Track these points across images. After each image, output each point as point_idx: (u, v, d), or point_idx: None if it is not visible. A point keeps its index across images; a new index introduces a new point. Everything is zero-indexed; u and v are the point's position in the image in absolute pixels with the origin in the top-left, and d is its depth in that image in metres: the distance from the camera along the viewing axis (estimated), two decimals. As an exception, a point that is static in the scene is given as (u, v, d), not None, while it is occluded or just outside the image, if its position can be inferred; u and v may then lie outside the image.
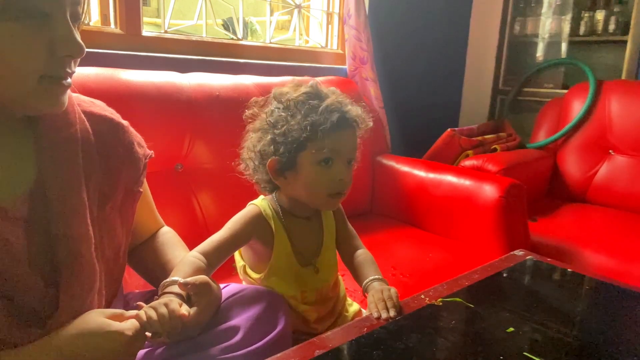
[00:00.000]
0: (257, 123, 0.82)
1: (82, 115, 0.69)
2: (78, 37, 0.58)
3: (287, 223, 0.83)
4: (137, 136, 0.78)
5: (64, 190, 0.63)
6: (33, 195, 0.62)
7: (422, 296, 0.78)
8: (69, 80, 0.60)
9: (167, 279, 0.70)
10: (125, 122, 0.76)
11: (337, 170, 0.78)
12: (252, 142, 0.82)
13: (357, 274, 0.87)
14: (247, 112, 0.84)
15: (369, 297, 0.77)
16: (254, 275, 0.84)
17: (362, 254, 0.90)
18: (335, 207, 0.86)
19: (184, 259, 0.74)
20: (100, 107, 0.74)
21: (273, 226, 0.81)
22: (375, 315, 0.71)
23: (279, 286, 0.81)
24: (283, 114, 0.78)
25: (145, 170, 0.79)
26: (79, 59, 0.60)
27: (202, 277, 0.69)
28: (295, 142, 0.76)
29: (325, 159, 0.77)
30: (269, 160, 0.79)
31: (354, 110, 0.81)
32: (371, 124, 0.85)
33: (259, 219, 0.81)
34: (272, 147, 0.78)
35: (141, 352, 0.67)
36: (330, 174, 0.78)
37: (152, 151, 0.81)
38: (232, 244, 0.79)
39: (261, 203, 0.84)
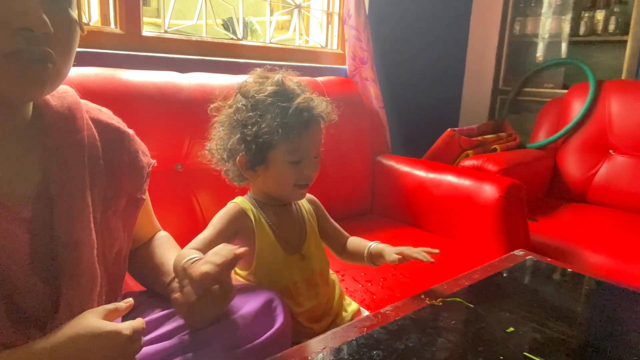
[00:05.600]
0: (223, 117, 0.84)
1: (90, 122, 0.69)
2: (41, 12, 0.53)
3: (266, 212, 0.85)
4: (141, 145, 0.79)
5: (69, 194, 0.63)
6: (38, 197, 0.62)
7: (422, 296, 0.78)
8: (37, 57, 0.54)
9: (191, 257, 0.68)
10: (130, 131, 0.77)
11: (306, 166, 0.82)
12: (221, 137, 0.84)
13: (354, 252, 0.91)
14: (212, 106, 0.86)
15: (406, 250, 0.82)
16: (243, 274, 0.85)
17: (352, 239, 0.94)
18: (302, 198, 0.89)
19: (182, 253, 0.74)
20: (107, 114, 0.75)
21: (252, 218, 0.83)
22: (424, 258, 0.79)
23: (268, 278, 0.82)
24: (251, 113, 0.79)
25: (148, 178, 0.80)
26: (61, 44, 0.57)
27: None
28: (266, 143, 0.79)
29: (297, 160, 0.80)
30: (239, 156, 0.81)
31: (320, 105, 0.83)
32: (336, 118, 0.87)
33: (239, 213, 0.83)
34: (243, 145, 0.80)
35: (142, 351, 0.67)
36: (299, 170, 0.81)
37: (155, 160, 0.82)
38: (220, 240, 0.80)
39: (239, 199, 0.87)
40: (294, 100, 0.79)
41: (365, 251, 0.89)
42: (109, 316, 0.62)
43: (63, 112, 0.66)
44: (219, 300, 0.66)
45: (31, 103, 0.64)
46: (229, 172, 0.86)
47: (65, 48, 0.58)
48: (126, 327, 0.60)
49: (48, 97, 0.66)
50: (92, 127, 0.69)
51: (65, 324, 0.59)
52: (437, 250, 0.81)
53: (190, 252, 0.72)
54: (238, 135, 0.80)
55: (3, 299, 0.56)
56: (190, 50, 1.54)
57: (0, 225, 0.57)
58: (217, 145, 0.84)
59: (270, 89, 0.79)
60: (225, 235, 0.81)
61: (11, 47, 0.53)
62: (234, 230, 0.82)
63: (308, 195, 0.94)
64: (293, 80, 0.83)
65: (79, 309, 0.61)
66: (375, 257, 0.88)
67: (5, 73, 0.53)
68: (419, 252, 0.81)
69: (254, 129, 0.78)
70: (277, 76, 0.82)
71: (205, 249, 0.77)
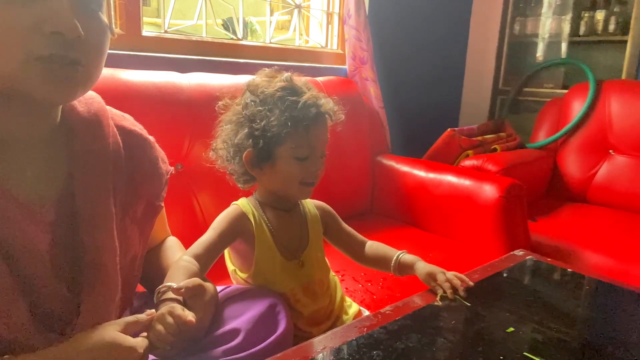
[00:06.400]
0: (229, 115, 0.83)
1: (115, 129, 0.70)
2: (73, 16, 0.53)
3: (267, 216, 0.84)
4: (161, 152, 0.80)
5: (93, 200, 0.63)
6: (61, 201, 0.62)
7: (422, 296, 0.78)
8: (67, 62, 0.55)
9: (161, 286, 0.69)
10: (151, 138, 0.78)
11: (312, 163, 0.81)
12: (227, 134, 0.83)
13: (378, 259, 0.90)
14: (220, 103, 0.85)
15: (439, 277, 0.80)
16: (243, 276, 0.84)
17: (373, 243, 0.93)
18: (308, 197, 0.87)
19: (175, 265, 0.74)
20: (130, 121, 0.76)
21: (253, 221, 0.82)
22: (450, 295, 0.77)
23: (266, 283, 0.81)
24: (260, 108, 0.79)
25: (166, 186, 0.80)
26: (92, 48, 0.57)
27: (195, 280, 0.68)
28: (274, 137, 0.78)
29: (304, 156, 0.80)
30: (245, 152, 0.80)
31: (327, 104, 0.83)
32: (342, 117, 0.86)
33: (240, 216, 0.83)
34: (250, 140, 0.79)
35: None
36: (306, 167, 0.80)
37: (172, 167, 0.82)
38: (220, 243, 0.80)
39: (241, 201, 0.86)
40: (303, 95, 0.79)
41: (393, 261, 0.88)
42: (129, 329, 0.61)
43: (90, 118, 0.67)
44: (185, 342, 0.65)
45: (59, 108, 0.64)
46: (234, 171, 0.85)
47: (96, 52, 0.59)
48: (141, 345, 0.59)
49: (75, 102, 0.66)
50: (117, 134, 0.70)
51: (85, 329, 0.59)
52: (471, 283, 0.80)
53: (172, 275, 0.71)
54: (246, 130, 0.80)
55: (26, 300, 0.57)
56: (190, 50, 1.54)
57: (22, 227, 0.57)
58: (223, 142, 0.84)
59: (279, 84, 0.80)
60: (225, 238, 0.80)
61: (43, 51, 0.53)
62: (234, 233, 0.81)
63: (317, 202, 0.94)
64: (300, 80, 0.83)
65: (99, 314, 0.61)
66: (403, 268, 0.88)
67: (36, 76, 0.54)
68: (449, 282, 0.79)
69: (262, 123, 0.78)
70: (286, 74, 0.82)
71: (205, 252, 0.77)
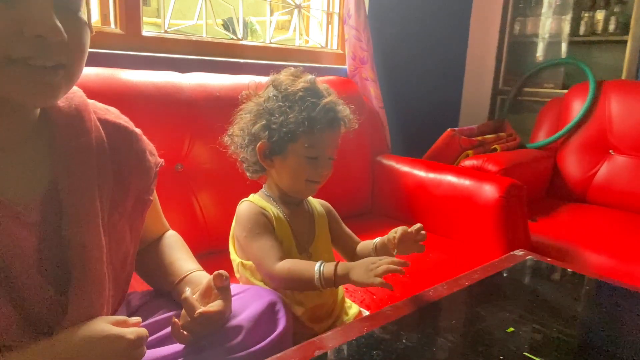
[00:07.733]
0: (251, 105, 0.86)
1: (98, 123, 0.69)
2: (54, 19, 0.53)
3: (282, 208, 0.87)
4: (149, 144, 0.79)
5: (78, 198, 0.62)
6: (46, 201, 0.61)
7: (422, 296, 0.78)
8: (49, 66, 0.54)
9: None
10: (138, 130, 0.76)
11: (320, 164, 0.84)
12: (245, 122, 0.85)
13: (364, 255, 0.90)
14: (244, 93, 0.88)
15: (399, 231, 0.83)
16: (254, 267, 0.84)
17: (361, 243, 0.94)
18: (312, 194, 0.90)
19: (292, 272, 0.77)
20: (114, 114, 0.74)
21: (272, 214, 0.85)
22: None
23: None
24: (281, 103, 0.82)
25: (155, 179, 0.79)
26: (74, 49, 0.57)
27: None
28: (289, 133, 0.81)
29: (315, 156, 0.83)
30: (260, 142, 0.83)
31: (345, 111, 0.86)
32: (357, 125, 0.89)
33: (260, 210, 0.85)
34: (266, 132, 0.82)
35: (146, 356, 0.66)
36: (314, 166, 0.83)
37: (162, 160, 0.81)
38: (275, 238, 0.82)
39: (252, 197, 0.88)
40: (323, 99, 0.82)
41: (372, 249, 0.89)
42: (118, 324, 0.61)
43: (71, 113, 0.65)
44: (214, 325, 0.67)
45: None
46: (245, 159, 0.88)
47: (78, 53, 0.58)
48: (130, 331, 0.59)
49: None
50: (100, 128, 0.68)
51: (73, 327, 0.59)
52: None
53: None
54: (263, 122, 0.83)
55: (12, 303, 0.56)
56: (190, 50, 1.54)
57: (8, 229, 0.57)
58: (240, 130, 0.86)
59: (302, 85, 0.82)
60: (271, 230, 0.82)
61: (24, 54, 0.52)
62: (269, 224, 0.83)
63: (321, 200, 0.96)
64: (323, 84, 0.86)
65: (87, 313, 0.61)
66: (381, 253, 0.88)
67: (17, 80, 0.53)
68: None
69: (280, 118, 0.81)
70: (310, 76, 0.85)
71: (280, 253, 0.79)
